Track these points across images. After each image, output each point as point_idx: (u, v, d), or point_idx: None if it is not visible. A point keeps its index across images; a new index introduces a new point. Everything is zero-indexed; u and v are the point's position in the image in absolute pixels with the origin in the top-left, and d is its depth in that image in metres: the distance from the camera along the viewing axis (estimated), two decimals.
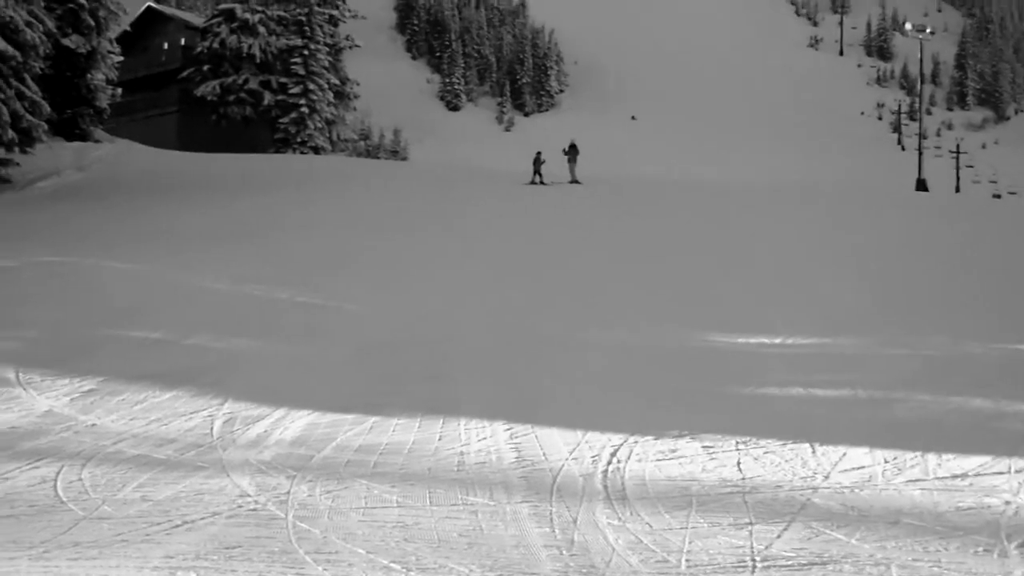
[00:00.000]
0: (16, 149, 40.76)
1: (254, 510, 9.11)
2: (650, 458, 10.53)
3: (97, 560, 7.84)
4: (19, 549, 8.10)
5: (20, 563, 7.80)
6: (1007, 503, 8.78)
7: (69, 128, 53.11)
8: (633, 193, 40.07)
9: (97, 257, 24.53)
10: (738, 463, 10.25)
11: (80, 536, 8.45)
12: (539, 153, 44.91)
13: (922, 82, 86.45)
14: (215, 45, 69.98)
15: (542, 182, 43.34)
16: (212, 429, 12.13)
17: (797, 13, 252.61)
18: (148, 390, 14.01)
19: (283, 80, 70.37)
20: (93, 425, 12.36)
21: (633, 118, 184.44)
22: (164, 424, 12.39)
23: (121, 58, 58.57)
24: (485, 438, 11.48)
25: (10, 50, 38.79)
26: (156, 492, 9.69)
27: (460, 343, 16.77)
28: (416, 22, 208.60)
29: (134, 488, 9.84)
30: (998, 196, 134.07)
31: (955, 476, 9.58)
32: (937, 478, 9.55)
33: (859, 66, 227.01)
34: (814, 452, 10.46)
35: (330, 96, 72.11)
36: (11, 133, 39.22)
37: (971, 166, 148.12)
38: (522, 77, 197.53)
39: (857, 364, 14.74)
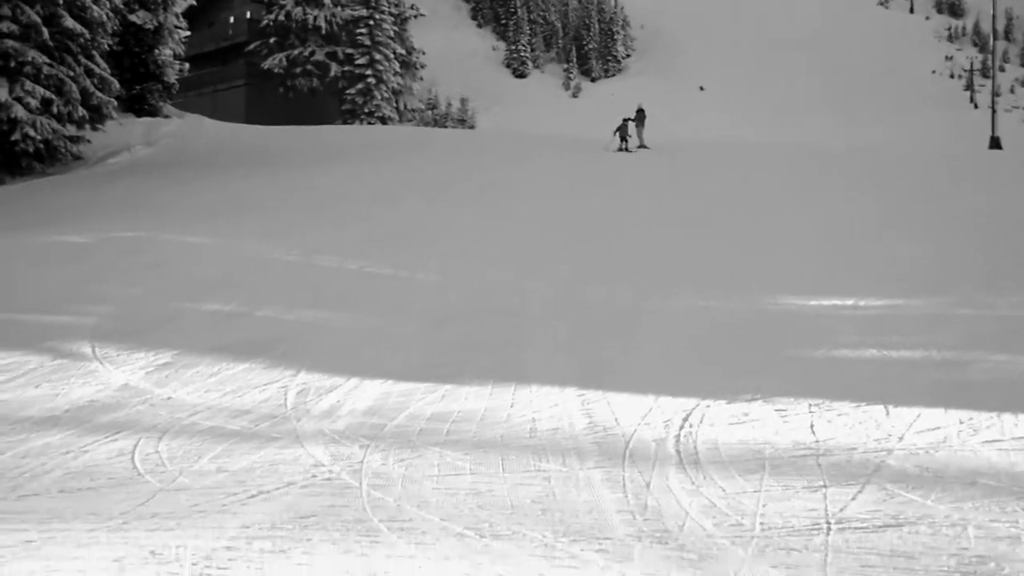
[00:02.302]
0: (87, 126, 41.18)
1: (328, 479, 9.17)
2: (722, 422, 10.49)
3: (175, 531, 7.94)
4: (99, 520, 8.21)
5: (99, 534, 7.90)
6: None
7: (138, 104, 53.60)
8: (703, 158, 39.85)
9: (169, 232, 24.72)
10: (811, 426, 10.19)
11: (158, 507, 8.55)
12: (625, 121, 44.40)
13: (995, 38, 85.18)
14: (281, 17, 70.35)
15: (627, 149, 42.94)
16: (285, 400, 12.21)
17: None
18: (222, 362, 14.13)
19: (349, 51, 70.62)
20: (168, 398, 12.49)
21: (701, 88, 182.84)
22: (238, 396, 12.49)
23: (188, 33, 58.95)
24: (557, 405, 11.48)
25: (78, 28, 39.10)
26: (231, 463, 9.78)
27: (530, 311, 16.76)
28: None
29: (210, 459, 9.94)
30: None
31: None
32: (1014, 438, 9.44)
33: (927, 19, 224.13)
34: (888, 414, 10.38)
35: (396, 66, 72.31)
36: (81, 110, 39.60)
37: None
38: (588, 43, 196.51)
39: (931, 325, 14.59)
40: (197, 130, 50.77)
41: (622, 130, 43.22)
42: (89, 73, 40.81)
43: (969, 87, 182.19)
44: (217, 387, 12.94)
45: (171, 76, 55.39)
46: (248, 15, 74.46)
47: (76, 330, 16.35)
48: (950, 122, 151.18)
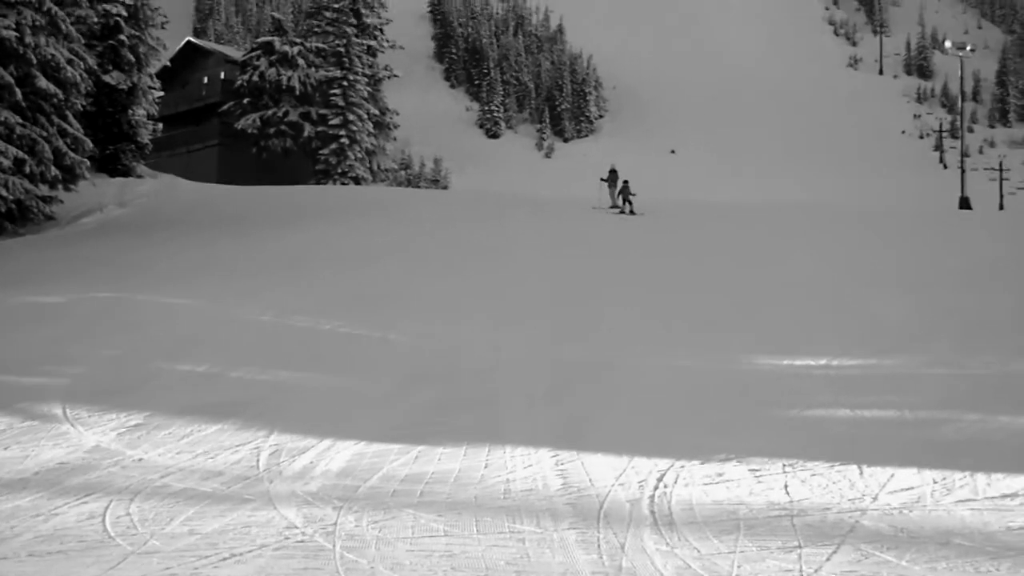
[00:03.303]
0: (60, 186, 41.06)
1: (301, 542, 9.13)
2: (697, 482, 10.50)
3: None
4: None
5: None
6: None
7: (111, 164, 53.55)
8: (674, 218, 40.01)
9: (143, 292, 24.68)
10: (785, 486, 10.21)
11: (129, 571, 8.48)
12: (625, 183, 43.13)
13: (963, 100, 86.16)
14: (254, 78, 70.53)
15: (630, 211, 42.18)
16: (258, 461, 12.16)
17: (836, 33, 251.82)
18: (194, 423, 14.06)
19: (323, 111, 70.80)
20: (140, 460, 12.42)
21: (672, 152, 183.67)
22: (210, 457, 12.43)
23: (162, 93, 59.09)
24: (531, 465, 11.48)
25: (52, 88, 39.13)
26: (203, 525, 9.72)
27: (505, 372, 16.77)
28: (454, 51, 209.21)
29: (182, 522, 9.87)
30: None
31: (1005, 496, 9.52)
32: (987, 498, 9.50)
33: (895, 77, 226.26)
34: (862, 474, 10.41)
35: (370, 126, 72.51)
36: (54, 171, 39.51)
37: (1022, 188, 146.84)
38: (561, 103, 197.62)
39: (904, 385, 14.67)
40: (170, 190, 50.77)
41: (624, 191, 42.61)
42: (62, 133, 40.79)
43: (938, 147, 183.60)
44: (189, 448, 12.87)
45: (144, 136, 55.43)
46: (222, 76, 74.72)
47: (48, 391, 16.25)
48: (920, 182, 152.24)
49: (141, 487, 11.15)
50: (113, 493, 10.93)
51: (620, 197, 42.79)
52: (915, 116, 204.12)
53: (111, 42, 52.09)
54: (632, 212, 41.94)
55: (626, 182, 42.90)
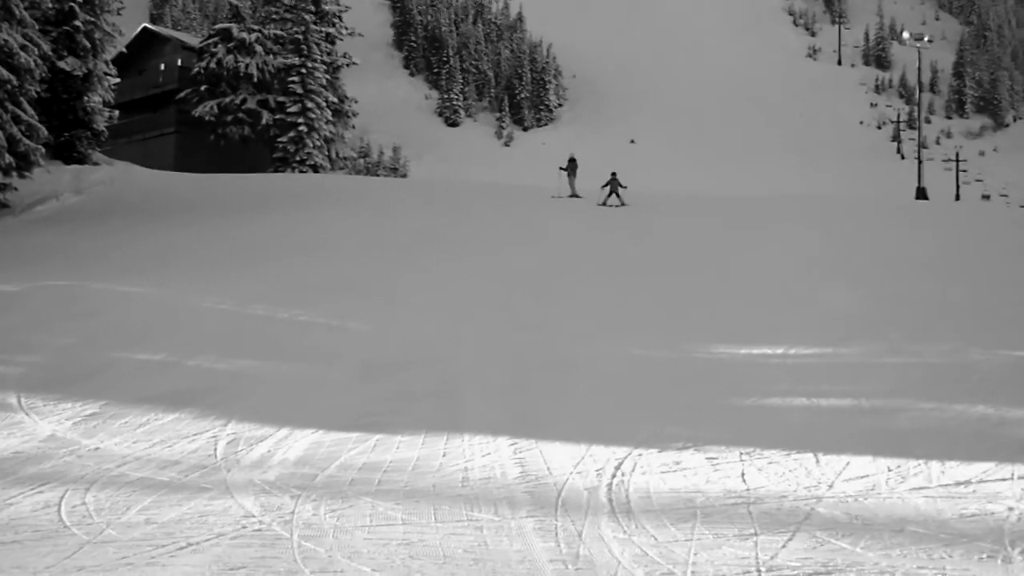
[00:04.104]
0: (14, 174, 40.66)
1: (259, 530, 9.10)
2: (654, 470, 10.54)
3: None
4: (24, 575, 8.09)
5: None
6: (1010, 509, 8.80)
7: (67, 151, 53.07)
8: (634, 208, 40.02)
9: (100, 280, 24.52)
10: (742, 474, 10.26)
11: (84, 560, 8.44)
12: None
13: (920, 91, 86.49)
14: (212, 65, 70.04)
15: (610, 203, 41.89)
16: (216, 450, 12.12)
17: (795, 23, 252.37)
18: (151, 412, 14.00)
19: (281, 99, 70.41)
20: (96, 449, 12.35)
21: (632, 142, 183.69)
22: (167, 446, 12.38)
23: (118, 80, 58.49)
24: (489, 453, 11.49)
25: (5, 74, 38.77)
26: (160, 515, 9.67)
27: (464, 361, 16.78)
28: (413, 38, 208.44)
29: (138, 511, 9.83)
30: (987, 196, 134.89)
31: (958, 483, 9.59)
32: (940, 485, 9.56)
33: (852, 65, 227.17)
34: (818, 462, 10.47)
35: (328, 114, 72.14)
36: (8, 158, 39.16)
37: (980, 180, 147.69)
38: (520, 92, 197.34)
39: (860, 374, 14.76)
40: (127, 178, 50.36)
41: (613, 184, 42.01)
42: (16, 120, 40.40)
43: (896, 138, 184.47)
44: (146, 437, 12.82)
45: (100, 123, 54.87)
46: (179, 63, 74.14)
47: (2, 380, 16.13)
48: (878, 172, 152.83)
49: (97, 476, 11.09)
50: (69, 482, 10.87)
51: (608, 189, 42.03)
52: (871, 105, 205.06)
53: (66, 28, 51.54)
54: (621, 203, 41.31)
55: (614, 174, 42.53)
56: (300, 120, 69.81)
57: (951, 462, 10.14)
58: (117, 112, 57.71)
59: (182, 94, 71.56)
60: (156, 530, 9.20)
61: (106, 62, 55.52)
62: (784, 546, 8.19)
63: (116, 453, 12.10)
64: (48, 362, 17.46)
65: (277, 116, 70.15)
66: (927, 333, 16.95)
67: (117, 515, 9.73)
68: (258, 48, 70.52)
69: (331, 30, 75.86)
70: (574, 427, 12.34)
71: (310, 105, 70.30)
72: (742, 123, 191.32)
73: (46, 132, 42.94)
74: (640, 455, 11.02)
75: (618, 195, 41.74)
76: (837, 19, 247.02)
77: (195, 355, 17.62)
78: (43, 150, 42.71)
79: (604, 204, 41.45)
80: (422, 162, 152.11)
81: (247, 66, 69.82)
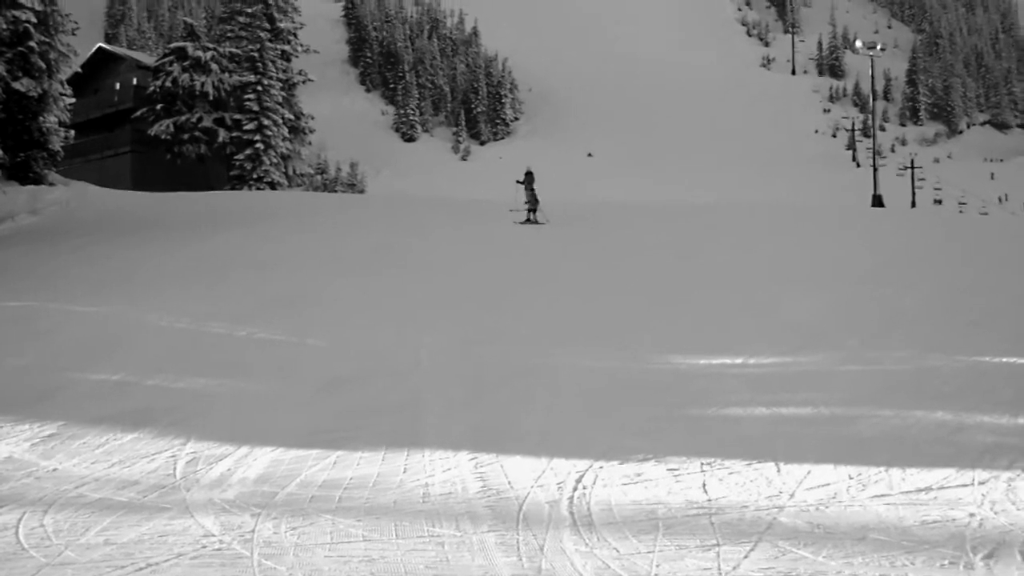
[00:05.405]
0: None
1: (219, 550, 9.05)
2: (615, 483, 10.54)
3: None
4: None
5: None
6: (971, 515, 8.84)
7: (22, 172, 52.75)
8: (592, 219, 40.11)
9: (56, 301, 24.37)
10: (703, 485, 10.27)
11: None
12: (521, 181, 41.00)
13: (874, 99, 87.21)
14: (167, 84, 69.90)
15: (534, 221, 39.62)
16: (175, 469, 12.05)
17: (748, 34, 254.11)
18: (109, 432, 13.90)
19: (237, 117, 70.36)
20: (54, 470, 12.25)
21: (589, 155, 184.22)
22: (126, 466, 12.29)
23: (73, 100, 58.19)
24: (450, 469, 11.47)
25: None
26: (119, 535, 9.60)
27: (424, 375, 16.74)
28: (369, 55, 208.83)
29: (97, 532, 9.75)
30: (939, 201, 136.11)
31: (919, 490, 9.63)
32: (902, 492, 9.61)
33: (806, 73, 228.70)
34: (779, 471, 10.50)
35: (285, 131, 72.11)
36: None
37: (938, 188, 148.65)
38: (477, 106, 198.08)
39: (819, 381, 14.81)
40: (83, 198, 50.13)
41: (531, 194, 40.53)
42: None
43: (851, 146, 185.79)
44: (104, 458, 12.73)
45: (56, 143, 54.62)
46: (134, 82, 73.93)
47: None
48: (834, 180, 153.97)
49: (55, 498, 11.00)
50: (27, 504, 10.77)
51: (526, 204, 40.15)
52: (825, 111, 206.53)
53: (20, 49, 51.23)
54: (535, 220, 39.56)
55: (530, 172, 40.82)
56: (257, 137, 69.77)
57: (912, 469, 10.19)
58: (73, 132, 57.48)
59: (138, 113, 71.39)
60: (115, 551, 9.13)
61: (61, 82, 55.25)
62: (746, 556, 8.21)
63: (74, 474, 12.01)
64: (3, 383, 17.31)
65: (233, 134, 70.09)
66: (885, 340, 17.03)
67: (76, 536, 9.65)
68: (213, 66, 70.44)
69: (287, 47, 75.85)
70: (535, 440, 12.34)
71: (266, 122, 70.27)
72: (698, 133, 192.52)
73: (1, 153, 42.73)
74: (601, 467, 11.03)
75: (534, 211, 39.89)
76: (791, 29, 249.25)
77: (153, 374, 17.52)
78: None
79: (528, 222, 39.40)
80: (379, 177, 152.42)
81: (203, 84, 69.74)
